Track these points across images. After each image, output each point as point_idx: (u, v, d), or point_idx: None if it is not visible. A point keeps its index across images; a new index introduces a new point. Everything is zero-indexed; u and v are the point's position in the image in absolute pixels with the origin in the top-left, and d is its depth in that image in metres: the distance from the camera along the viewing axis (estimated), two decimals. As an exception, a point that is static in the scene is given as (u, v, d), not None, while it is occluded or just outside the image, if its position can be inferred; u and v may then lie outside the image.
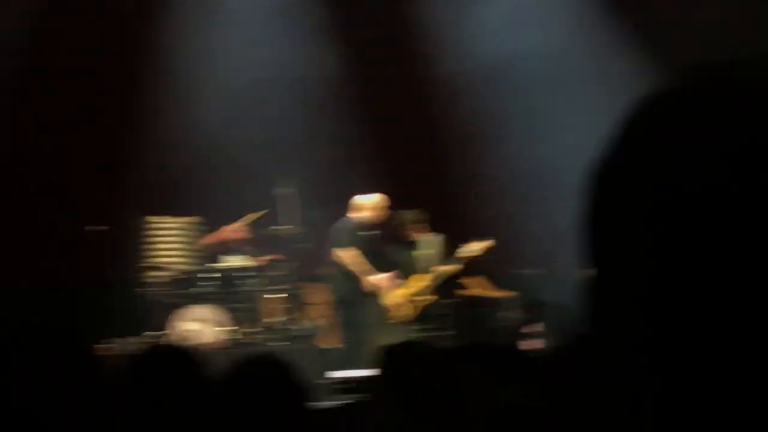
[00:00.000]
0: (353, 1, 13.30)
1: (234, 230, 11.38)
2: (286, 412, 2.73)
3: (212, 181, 13.03)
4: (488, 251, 10.05)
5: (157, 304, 11.07)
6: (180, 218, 12.29)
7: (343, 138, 12.81)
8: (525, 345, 10.26)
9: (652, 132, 0.73)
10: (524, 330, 10.79)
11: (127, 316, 11.41)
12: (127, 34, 13.03)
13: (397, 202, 10.74)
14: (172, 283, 10.99)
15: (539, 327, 10.90)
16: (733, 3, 11.72)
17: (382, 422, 1.80)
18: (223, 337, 10.51)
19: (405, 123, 13.55)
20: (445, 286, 10.36)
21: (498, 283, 11.50)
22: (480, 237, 10.06)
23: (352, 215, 9.98)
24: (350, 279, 9.78)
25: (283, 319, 10.81)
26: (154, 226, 12.19)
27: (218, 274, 10.96)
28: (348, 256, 9.73)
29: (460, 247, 10.09)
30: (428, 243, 10.05)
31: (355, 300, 9.80)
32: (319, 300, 10.63)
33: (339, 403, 8.02)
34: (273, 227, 11.31)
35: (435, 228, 10.25)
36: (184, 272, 11.21)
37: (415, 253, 10.02)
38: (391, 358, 1.83)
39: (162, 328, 10.77)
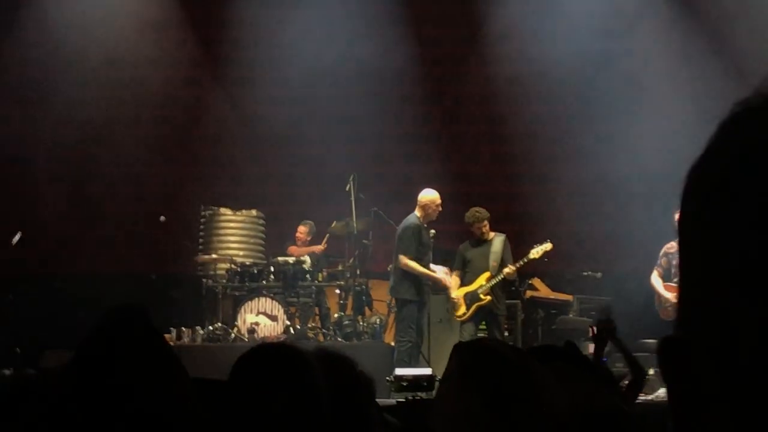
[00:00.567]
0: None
1: (321, 248, 11.50)
2: (351, 408, 2.73)
3: (276, 175, 13.12)
4: (548, 254, 10.00)
5: (222, 295, 11.17)
6: (244, 211, 12.41)
7: (410, 136, 12.83)
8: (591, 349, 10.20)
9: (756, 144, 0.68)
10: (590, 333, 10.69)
11: (192, 306, 11.56)
12: (194, 29, 13.16)
13: (461, 201, 10.72)
14: (237, 275, 11.08)
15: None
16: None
17: (456, 419, 1.80)
18: (289, 331, 10.58)
19: (470, 121, 13.53)
20: (508, 287, 10.32)
21: (558, 285, 11.45)
22: (540, 240, 10.01)
23: (417, 212, 9.98)
24: (411, 277, 9.78)
25: (350, 315, 10.83)
26: (220, 218, 12.32)
27: (283, 269, 11.01)
28: (408, 262, 9.72)
29: (523, 248, 10.08)
30: (493, 242, 10.02)
31: (414, 299, 9.80)
32: (384, 297, 10.64)
33: (405, 399, 8.07)
34: (337, 223, 11.35)
35: (496, 228, 10.24)
36: (249, 265, 11.30)
37: (482, 251, 9.99)
38: (469, 354, 1.82)
39: (227, 320, 10.88)
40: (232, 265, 11.20)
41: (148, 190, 13.23)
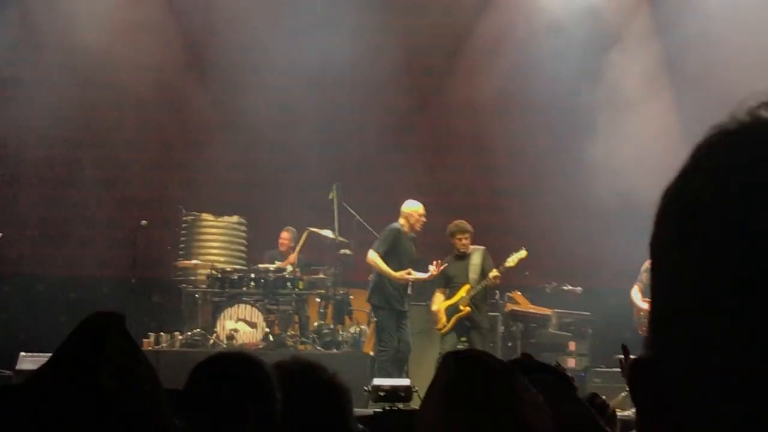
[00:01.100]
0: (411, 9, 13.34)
1: (296, 254, 11.51)
2: (325, 416, 2.73)
3: (258, 181, 13.10)
4: (521, 263, 10.05)
5: (202, 301, 11.14)
6: (226, 217, 12.39)
7: (393, 146, 12.83)
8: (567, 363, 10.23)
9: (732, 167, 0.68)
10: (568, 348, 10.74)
11: (172, 311, 11.53)
12: (179, 33, 13.13)
13: (440, 213, 10.74)
14: (217, 281, 11.05)
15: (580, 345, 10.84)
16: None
17: (438, 429, 1.80)
18: (268, 339, 10.56)
19: (455, 133, 13.56)
20: (487, 299, 10.35)
21: (539, 299, 11.48)
22: (515, 249, 10.07)
23: (401, 221, 10.01)
24: (381, 285, 9.81)
25: (329, 324, 10.82)
26: (202, 223, 12.30)
27: (263, 276, 10.99)
28: (375, 259, 9.78)
29: (500, 259, 10.12)
30: (472, 256, 10.06)
31: (384, 305, 9.82)
32: (365, 306, 10.64)
33: (382, 410, 8.06)
34: (316, 230, 11.33)
35: (479, 240, 10.27)
36: (230, 271, 11.27)
37: (463, 265, 10.03)
38: (455, 365, 1.82)
39: (206, 326, 10.84)
40: (213, 271, 11.16)
41: (130, 194, 13.19)
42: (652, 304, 0.73)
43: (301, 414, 2.64)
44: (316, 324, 10.96)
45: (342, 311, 10.85)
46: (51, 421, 1.31)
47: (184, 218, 12.22)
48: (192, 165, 13.13)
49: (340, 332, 10.75)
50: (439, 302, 10.04)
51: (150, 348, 10.28)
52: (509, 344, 10.90)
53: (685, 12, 11.84)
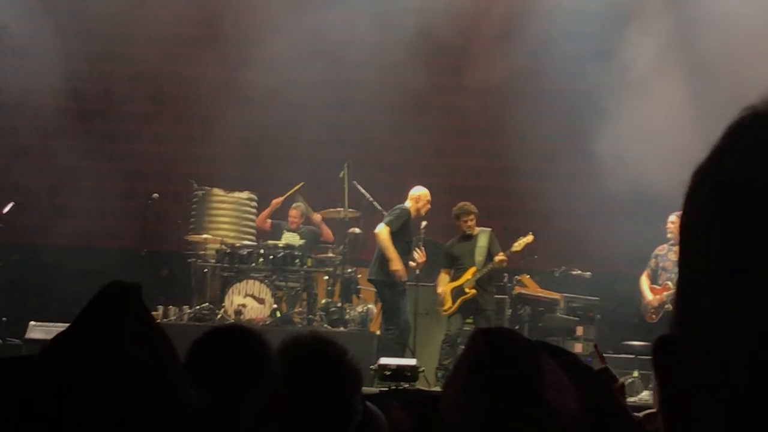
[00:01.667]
0: None
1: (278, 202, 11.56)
2: (336, 395, 2.73)
3: (269, 158, 13.10)
4: (529, 247, 10.06)
5: (211, 275, 11.18)
6: (236, 193, 12.41)
7: (404, 126, 12.82)
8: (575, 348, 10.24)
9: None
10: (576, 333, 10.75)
11: (180, 285, 11.57)
12: (193, 6, 13.09)
13: (449, 194, 10.74)
14: (226, 256, 11.07)
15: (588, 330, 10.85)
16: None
17: (462, 407, 1.80)
18: (275, 315, 10.59)
19: (462, 115, 13.52)
20: (497, 282, 10.36)
21: (547, 283, 11.48)
22: (523, 233, 10.07)
23: (409, 203, 10.01)
24: (381, 259, 9.83)
25: (337, 302, 10.84)
26: (212, 198, 12.31)
27: (272, 252, 11.02)
28: (386, 236, 9.78)
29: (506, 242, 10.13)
30: (478, 237, 10.07)
31: (384, 279, 9.83)
32: (371, 285, 10.65)
33: (388, 389, 8.09)
34: (329, 210, 11.37)
35: (487, 223, 10.27)
36: (239, 247, 11.29)
37: (469, 247, 10.04)
38: (483, 343, 1.81)
39: (214, 300, 10.88)
40: (222, 246, 11.19)
41: (141, 166, 13.20)
42: (679, 281, 0.74)
43: (310, 390, 2.65)
44: (323, 302, 10.99)
45: (349, 289, 10.87)
46: (74, 386, 1.32)
47: (195, 192, 12.24)
48: (203, 139, 13.14)
49: (348, 310, 10.78)
50: (444, 283, 10.05)
51: (158, 321, 10.30)
52: (516, 327, 10.91)
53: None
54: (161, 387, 1.35)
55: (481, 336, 1.82)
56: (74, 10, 12.62)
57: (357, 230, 11.00)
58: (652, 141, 11.29)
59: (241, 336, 2.55)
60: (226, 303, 10.63)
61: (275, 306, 10.64)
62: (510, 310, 10.92)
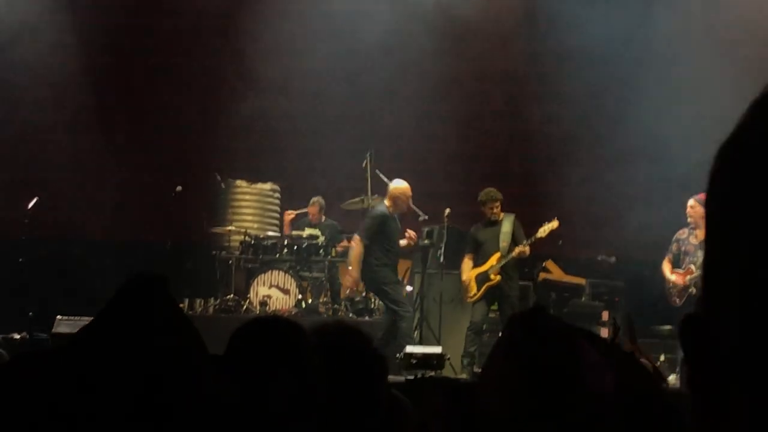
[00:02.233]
0: None
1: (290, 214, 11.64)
2: (362, 384, 2.73)
3: (292, 148, 13.10)
4: (553, 233, 10.02)
5: (236, 267, 11.21)
6: (260, 184, 12.42)
7: (426, 114, 12.79)
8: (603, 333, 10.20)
9: None
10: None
11: (205, 277, 11.60)
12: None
13: (472, 181, 10.70)
14: (251, 247, 11.10)
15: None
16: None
17: (498, 393, 1.78)
18: (300, 305, 10.61)
19: (488, 101, 13.46)
20: (521, 268, 10.33)
21: (572, 268, 11.43)
22: (548, 219, 10.03)
23: (387, 202, 9.91)
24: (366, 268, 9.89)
25: (361, 291, 10.84)
26: (236, 190, 12.34)
27: (296, 243, 11.04)
28: (356, 249, 9.76)
29: (536, 229, 10.09)
30: (503, 223, 10.03)
31: (379, 288, 9.88)
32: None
33: (414, 377, 8.09)
34: (349, 201, 11.34)
35: (511, 209, 10.24)
36: (263, 238, 11.32)
37: (493, 232, 10.01)
38: (519, 327, 1.79)
39: (239, 292, 10.92)
40: (246, 237, 11.23)
41: (164, 159, 13.24)
42: (706, 260, 0.73)
43: (335, 379, 2.64)
44: (347, 291, 11.00)
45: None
46: (103, 376, 1.32)
47: (219, 184, 12.27)
48: (226, 131, 13.16)
49: (372, 300, 10.78)
50: (468, 270, 10.01)
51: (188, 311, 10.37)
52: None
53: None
54: (189, 376, 1.35)
55: (518, 320, 1.81)
56: (95, 4, 12.67)
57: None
58: (676, 125, 11.21)
59: (282, 326, 2.55)
60: (251, 294, 10.67)
61: (300, 296, 10.66)
62: (535, 296, 10.89)
